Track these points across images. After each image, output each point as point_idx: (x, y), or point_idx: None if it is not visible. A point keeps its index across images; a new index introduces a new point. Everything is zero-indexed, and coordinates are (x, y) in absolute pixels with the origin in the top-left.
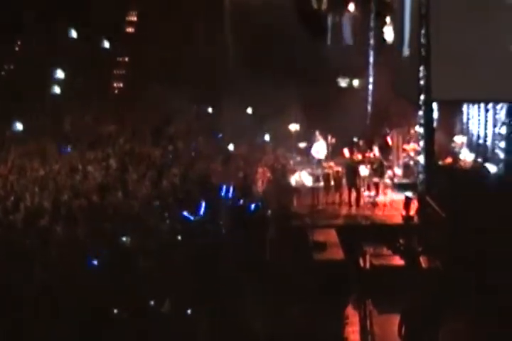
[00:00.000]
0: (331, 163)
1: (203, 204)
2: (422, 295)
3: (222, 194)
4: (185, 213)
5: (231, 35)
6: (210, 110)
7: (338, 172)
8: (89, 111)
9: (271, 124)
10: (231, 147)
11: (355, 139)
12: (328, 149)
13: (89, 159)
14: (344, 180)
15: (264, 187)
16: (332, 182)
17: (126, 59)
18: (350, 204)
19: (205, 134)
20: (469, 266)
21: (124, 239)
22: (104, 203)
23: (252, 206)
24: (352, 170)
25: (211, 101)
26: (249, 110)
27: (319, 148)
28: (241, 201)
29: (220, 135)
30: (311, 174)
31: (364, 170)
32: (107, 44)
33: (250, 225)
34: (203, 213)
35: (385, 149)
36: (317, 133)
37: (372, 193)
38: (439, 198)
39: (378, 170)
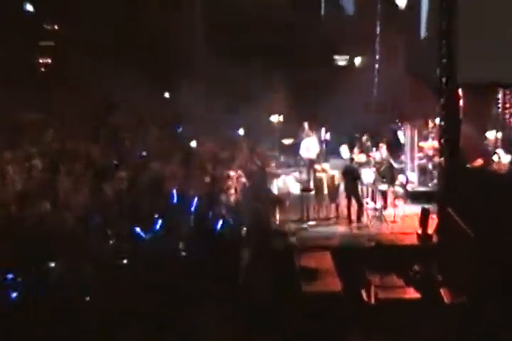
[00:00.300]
0: (325, 165)
1: (158, 218)
2: (444, 337)
3: (183, 205)
4: (134, 229)
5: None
6: (166, 95)
7: (333, 177)
8: (5, 95)
9: (246, 115)
10: (194, 144)
11: (356, 134)
12: (321, 147)
13: (7, 158)
14: (342, 188)
15: (238, 197)
16: (326, 190)
17: (56, 26)
18: (349, 219)
19: (160, 127)
20: (502, 302)
21: (52, 264)
22: (26, 216)
23: (222, 221)
24: (352, 174)
25: (168, 84)
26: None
27: (310, 146)
28: (207, 214)
29: (180, 128)
30: (299, 179)
31: (368, 175)
32: (29, 7)
33: (219, 246)
34: (158, 230)
35: (395, 147)
36: (307, 126)
37: (379, 205)
38: (466, 211)
39: (387, 175)
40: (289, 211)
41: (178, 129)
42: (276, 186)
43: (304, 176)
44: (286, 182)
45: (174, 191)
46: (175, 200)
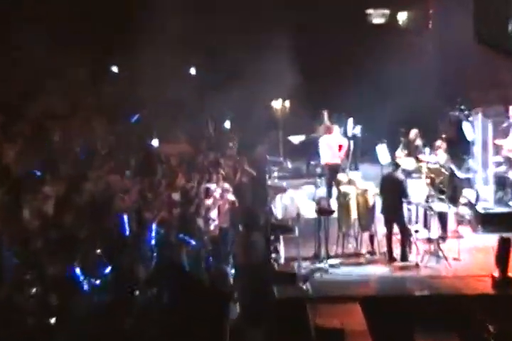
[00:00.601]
0: (354, 175)
1: (104, 255)
2: None
3: (141, 235)
4: (70, 272)
5: None
6: (115, 70)
7: (366, 192)
8: None
9: (235, 99)
10: (156, 142)
11: (401, 129)
12: (348, 148)
13: None
14: (379, 208)
15: (222, 222)
16: (355, 212)
17: None
18: (390, 256)
19: (104, 117)
20: None
21: None
22: None
23: (197, 257)
24: (395, 188)
25: (116, 53)
26: (193, 71)
27: (331, 146)
28: (176, 248)
29: (136, 116)
30: (315, 196)
31: (419, 189)
32: None
33: (193, 295)
34: (104, 272)
35: (459, 148)
36: (326, 116)
37: (435, 234)
38: None
39: (447, 189)
40: (300, 243)
41: (132, 119)
42: (280, 206)
43: (322, 191)
44: (296, 201)
45: (127, 214)
46: (129, 228)
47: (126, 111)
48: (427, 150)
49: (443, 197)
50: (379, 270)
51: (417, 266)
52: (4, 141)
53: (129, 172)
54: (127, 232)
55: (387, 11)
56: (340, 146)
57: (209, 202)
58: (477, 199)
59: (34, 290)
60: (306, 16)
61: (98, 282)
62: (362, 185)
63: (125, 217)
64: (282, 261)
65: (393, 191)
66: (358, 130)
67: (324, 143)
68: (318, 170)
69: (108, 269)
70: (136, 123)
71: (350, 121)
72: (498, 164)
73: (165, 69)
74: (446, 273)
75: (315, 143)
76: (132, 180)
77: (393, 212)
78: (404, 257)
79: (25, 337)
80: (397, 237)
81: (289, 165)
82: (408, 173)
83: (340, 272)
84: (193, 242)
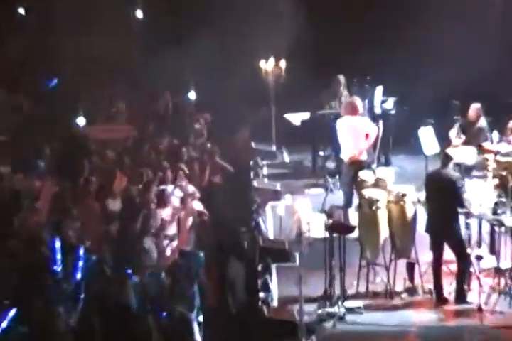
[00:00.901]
0: (383, 172)
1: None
2: None
3: (63, 264)
4: None
5: None
6: (21, 12)
7: (402, 199)
8: None
9: (204, 57)
10: (82, 122)
11: (455, 102)
12: (377, 134)
13: None
14: (422, 223)
15: (184, 244)
16: (386, 230)
17: None
18: (439, 296)
19: (3, 85)
20: None
21: None
22: None
23: (143, 299)
24: (445, 192)
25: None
26: (139, 14)
27: (356, 132)
28: (113, 284)
29: (53, 81)
30: (325, 207)
31: (482, 194)
32: None
33: None
34: (7, 320)
35: None
36: (342, 82)
37: (507, 263)
38: None
39: None
40: (302, 276)
41: (49, 84)
42: (272, 220)
43: (337, 197)
44: (296, 212)
45: (40, 232)
46: (43, 253)
47: (36, 75)
48: (495, 134)
49: None
50: (422, 316)
51: (479, 310)
52: None
53: (42, 167)
54: (47, 260)
55: None
56: (366, 135)
57: (164, 212)
58: None
59: None
60: None
61: None
62: (396, 187)
63: (44, 235)
64: (275, 303)
65: (444, 197)
66: (390, 104)
67: (344, 128)
68: (331, 165)
69: (11, 313)
70: (51, 91)
71: (379, 90)
72: None
73: (95, 12)
74: None
75: (325, 125)
76: (46, 180)
77: (444, 229)
78: (460, 297)
79: None
80: (449, 267)
81: (286, 157)
82: (467, 170)
83: (364, 320)
84: (134, 276)
